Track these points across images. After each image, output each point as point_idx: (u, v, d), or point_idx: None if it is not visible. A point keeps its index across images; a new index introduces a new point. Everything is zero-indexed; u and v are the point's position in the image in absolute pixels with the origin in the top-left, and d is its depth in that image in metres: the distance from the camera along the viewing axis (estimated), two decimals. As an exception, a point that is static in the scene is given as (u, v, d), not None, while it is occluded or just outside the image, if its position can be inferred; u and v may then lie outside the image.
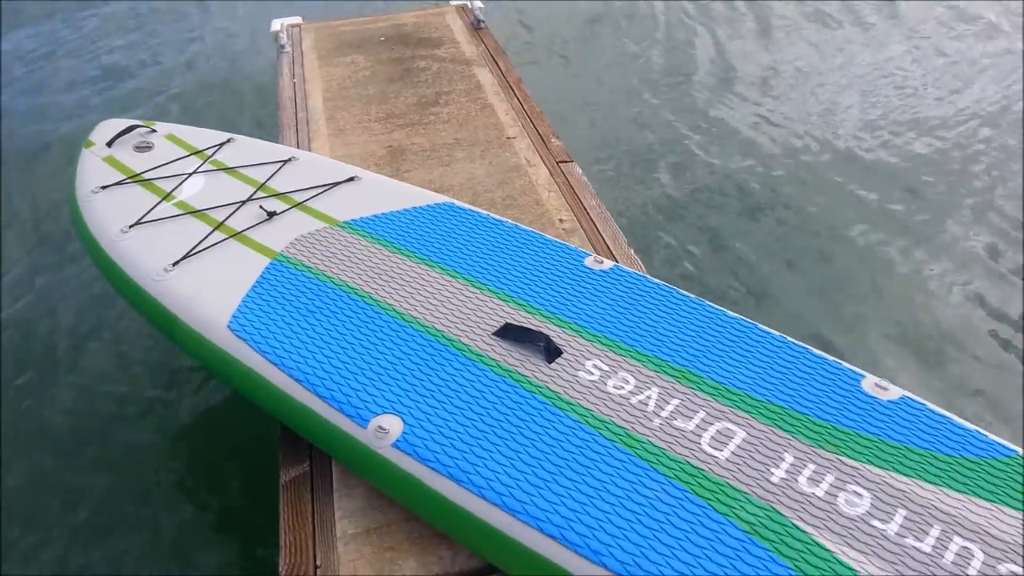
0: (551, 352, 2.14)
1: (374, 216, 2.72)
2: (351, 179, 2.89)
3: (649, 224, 4.70)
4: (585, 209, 3.14)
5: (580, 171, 3.40)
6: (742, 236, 4.59)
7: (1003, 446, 1.84)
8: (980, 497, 1.72)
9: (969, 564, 1.59)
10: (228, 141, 3.15)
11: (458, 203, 2.80)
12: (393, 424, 1.94)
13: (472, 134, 3.71)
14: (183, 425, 3.56)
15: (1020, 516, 1.68)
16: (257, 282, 2.39)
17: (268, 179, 2.89)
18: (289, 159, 3.01)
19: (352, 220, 2.69)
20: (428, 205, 2.78)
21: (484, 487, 1.78)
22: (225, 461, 3.37)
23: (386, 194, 2.83)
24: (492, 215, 2.73)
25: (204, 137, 3.20)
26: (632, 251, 2.90)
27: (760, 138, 5.50)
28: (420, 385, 2.04)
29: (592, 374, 2.08)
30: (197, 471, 3.35)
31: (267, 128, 5.58)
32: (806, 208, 4.78)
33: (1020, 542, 1.62)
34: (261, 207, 2.72)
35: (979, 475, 1.77)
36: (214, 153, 3.07)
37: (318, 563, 1.87)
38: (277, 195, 2.81)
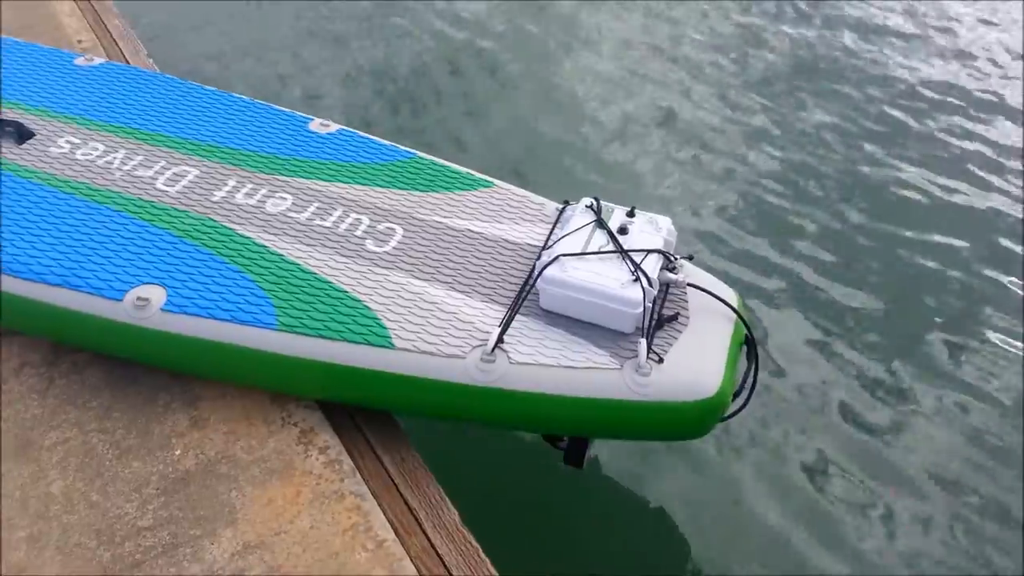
0: (22, 135, 2.24)
1: None
2: None
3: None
4: (108, 29, 3.17)
5: (107, -4, 3.39)
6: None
7: (407, 151, 2.33)
8: (378, 187, 2.20)
9: (358, 228, 2.06)
10: None
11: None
12: None
13: (-12, -30, 3.47)
14: None
15: (403, 194, 2.18)
16: None
17: None
18: None
19: None
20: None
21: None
22: None
23: None
24: (-20, 31, 2.67)
25: None
26: (152, 61, 3.02)
27: None
28: None
29: (63, 148, 2.23)
30: None
31: None
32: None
33: (399, 209, 2.12)
34: None
35: (383, 173, 2.25)
36: None
37: None
38: None
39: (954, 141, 4.00)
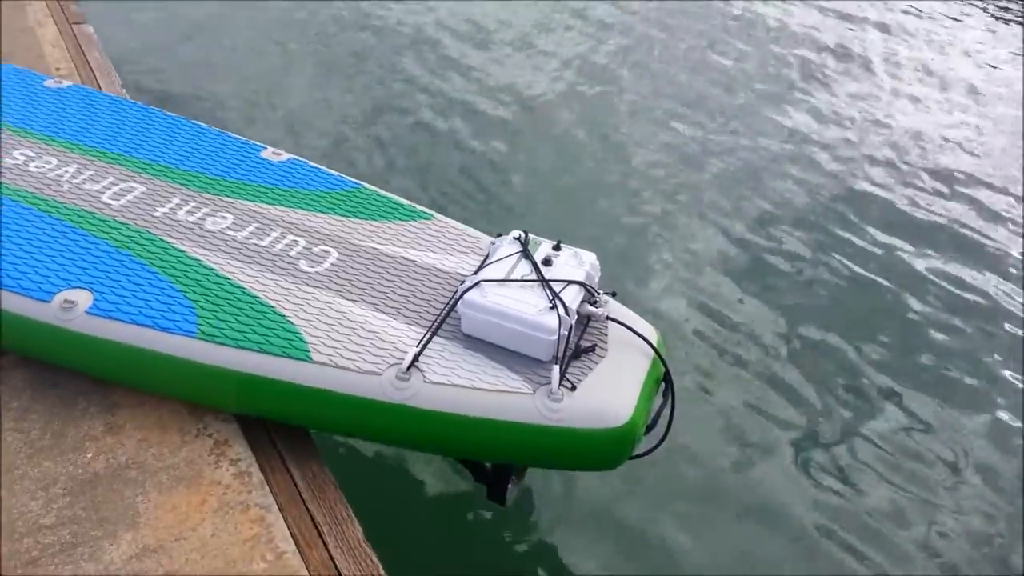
0: (-24, 146, 2.32)
1: None
2: None
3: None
4: (87, 61, 3.28)
5: (92, 30, 3.52)
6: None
7: (353, 182, 2.41)
8: (319, 212, 2.26)
9: (294, 248, 2.11)
10: None
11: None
12: None
13: (-20, 1, 3.61)
14: None
15: (343, 220, 2.24)
16: None
17: None
18: None
19: None
20: None
21: None
22: None
23: None
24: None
25: None
26: (124, 90, 3.12)
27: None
28: None
29: (17, 160, 2.30)
30: None
31: None
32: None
33: (336, 234, 2.18)
34: None
35: (325, 200, 2.31)
36: None
37: None
38: None
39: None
